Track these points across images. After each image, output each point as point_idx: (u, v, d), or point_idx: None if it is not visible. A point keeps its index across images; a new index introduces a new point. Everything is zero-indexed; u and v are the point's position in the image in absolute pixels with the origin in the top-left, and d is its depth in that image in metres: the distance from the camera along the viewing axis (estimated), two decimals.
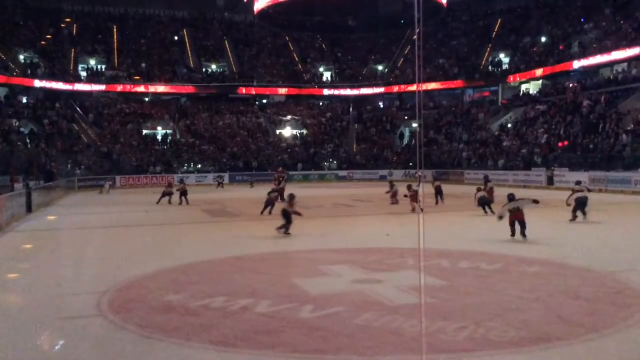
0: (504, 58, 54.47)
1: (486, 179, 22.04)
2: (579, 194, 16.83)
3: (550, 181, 33.00)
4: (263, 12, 50.54)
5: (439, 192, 22.40)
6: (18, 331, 6.69)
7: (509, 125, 45.89)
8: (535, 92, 48.78)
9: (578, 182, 18.70)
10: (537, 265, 9.88)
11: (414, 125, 55.14)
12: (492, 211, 17.20)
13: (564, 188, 30.66)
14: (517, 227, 12.80)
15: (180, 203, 24.37)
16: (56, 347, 6.27)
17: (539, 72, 47.68)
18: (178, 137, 52.09)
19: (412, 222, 16.91)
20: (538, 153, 37.96)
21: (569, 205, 16.73)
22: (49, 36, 56.37)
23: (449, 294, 7.89)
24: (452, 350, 5.68)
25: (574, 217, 16.33)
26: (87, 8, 60.90)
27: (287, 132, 56.40)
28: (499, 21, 58.08)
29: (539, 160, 36.96)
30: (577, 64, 43.97)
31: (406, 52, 61.86)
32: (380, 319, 6.70)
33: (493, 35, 57.34)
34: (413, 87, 55.95)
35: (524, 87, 50.98)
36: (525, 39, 53.41)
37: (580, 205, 16.50)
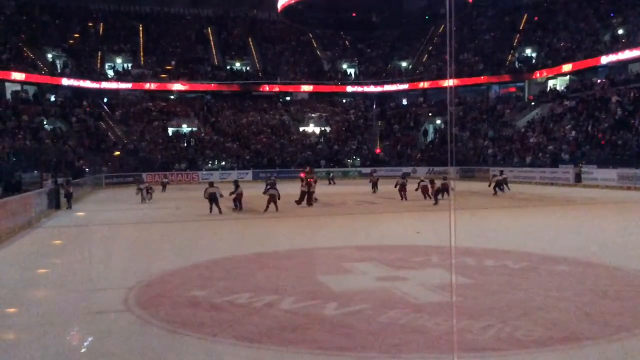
0: (530, 53, 53.74)
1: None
2: (499, 178, 26.60)
3: (578, 179, 32.47)
4: (287, 9, 50.68)
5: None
6: (48, 325, 6.82)
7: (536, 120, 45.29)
8: (562, 88, 48.06)
9: (501, 172, 28.75)
10: (564, 264, 9.74)
11: (438, 122, 54.81)
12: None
13: (592, 186, 30.23)
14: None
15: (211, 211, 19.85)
16: (85, 343, 6.36)
17: (566, 67, 46.97)
18: (202, 134, 52.52)
19: (437, 219, 16.82)
20: (566, 150, 37.41)
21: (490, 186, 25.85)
22: (76, 35, 57.30)
23: (474, 292, 7.82)
24: (479, 349, 5.62)
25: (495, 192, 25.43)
26: (113, 7, 61.77)
27: (311, 129, 56.47)
28: (525, 16, 57.31)
29: (567, 158, 36.41)
30: (605, 60, 43.19)
31: (430, 48, 61.44)
32: (405, 317, 6.67)
33: (519, 31, 56.59)
34: (437, 84, 55.63)
35: (550, 83, 50.26)
36: (552, 34, 52.62)
37: (500, 185, 26.04)
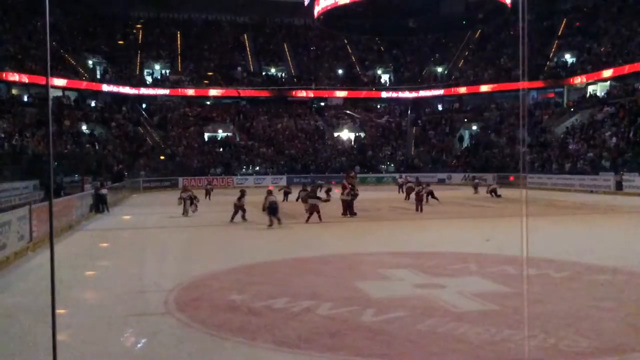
0: (569, 59, 52.73)
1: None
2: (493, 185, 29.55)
3: (619, 186, 31.68)
4: (323, 15, 50.80)
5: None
6: (92, 327, 6.97)
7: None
8: (602, 93, 46.99)
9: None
10: (608, 274, 9.51)
11: (474, 127, 54.21)
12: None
13: (633, 194, 29.46)
14: None
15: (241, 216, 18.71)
16: (128, 345, 6.48)
17: (606, 73, 45.90)
18: (237, 139, 53.04)
19: (476, 226, 16.63)
20: (606, 157, 36.55)
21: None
22: (116, 42, 58.63)
23: (516, 301, 7.66)
24: (521, 359, 5.52)
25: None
26: (152, 14, 62.95)
27: (345, 134, 56.47)
28: (564, 21, 56.26)
29: (607, 165, 35.56)
30: None
31: (467, 53, 60.85)
32: (444, 325, 6.60)
33: (558, 36, 55.58)
34: (473, 89, 55.08)
35: (590, 88, 49.17)
36: (592, 39, 51.50)
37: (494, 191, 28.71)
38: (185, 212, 20.79)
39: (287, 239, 15.02)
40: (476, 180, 35.47)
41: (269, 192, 17.23)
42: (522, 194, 27.19)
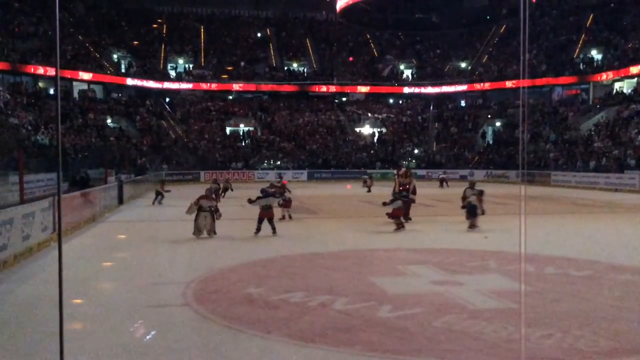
0: (596, 55, 51.81)
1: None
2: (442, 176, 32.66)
3: None
4: (346, 9, 50.70)
5: None
6: (111, 317, 7.07)
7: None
8: (629, 91, 46.11)
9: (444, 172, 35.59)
10: (629, 273, 9.37)
11: (497, 124, 53.65)
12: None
13: None
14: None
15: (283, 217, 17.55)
16: (147, 336, 6.56)
17: (633, 69, 45.01)
18: (259, 134, 53.23)
19: (497, 224, 16.47)
20: (632, 155, 35.92)
21: None
22: (141, 36, 59.19)
23: (534, 300, 7.60)
24: (538, 358, 5.47)
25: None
26: (176, 9, 63.50)
27: (366, 130, 56.30)
28: (591, 16, 55.26)
29: (633, 163, 34.96)
30: None
31: (491, 49, 60.17)
32: (460, 322, 6.56)
33: (584, 31, 54.62)
34: (497, 84, 54.50)
35: (617, 85, 48.29)
36: (619, 35, 50.52)
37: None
38: (197, 232, 14.00)
39: (302, 233, 15.05)
40: (442, 176, 37.61)
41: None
42: (546, 192, 26.92)
